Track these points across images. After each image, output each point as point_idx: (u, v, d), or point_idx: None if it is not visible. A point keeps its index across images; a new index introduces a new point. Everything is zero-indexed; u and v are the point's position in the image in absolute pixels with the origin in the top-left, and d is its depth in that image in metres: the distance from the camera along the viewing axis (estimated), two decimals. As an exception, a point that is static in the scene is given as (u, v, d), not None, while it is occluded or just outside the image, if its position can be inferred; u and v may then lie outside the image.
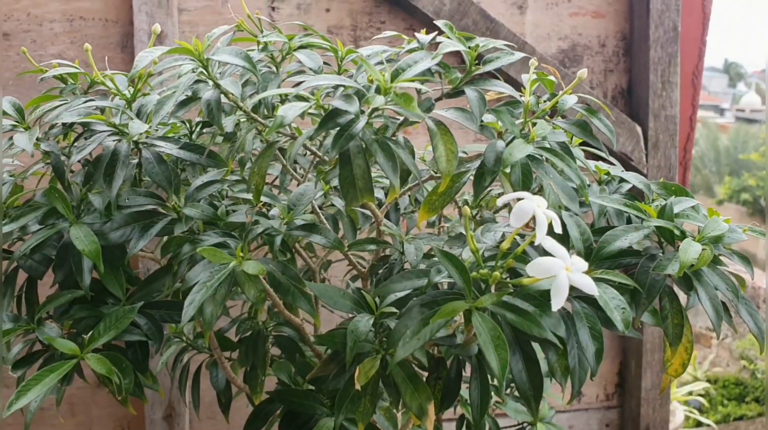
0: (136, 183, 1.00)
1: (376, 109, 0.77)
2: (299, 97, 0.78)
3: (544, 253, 0.73)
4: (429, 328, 0.77)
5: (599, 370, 0.80)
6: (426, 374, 0.93)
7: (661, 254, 0.87)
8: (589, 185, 1.07)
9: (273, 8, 1.72)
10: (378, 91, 0.76)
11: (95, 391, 1.78)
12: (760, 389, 3.95)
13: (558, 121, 0.96)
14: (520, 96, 0.93)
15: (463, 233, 1.10)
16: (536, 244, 0.72)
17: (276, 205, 0.85)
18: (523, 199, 0.74)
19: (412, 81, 0.78)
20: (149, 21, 1.62)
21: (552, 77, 0.98)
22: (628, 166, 1.91)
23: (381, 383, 0.87)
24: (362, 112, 0.77)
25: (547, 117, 0.97)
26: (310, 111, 0.82)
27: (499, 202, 0.76)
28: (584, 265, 0.72)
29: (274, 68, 0.96)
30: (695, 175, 11.85)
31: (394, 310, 0.88)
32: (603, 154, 0.99)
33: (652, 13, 1.86)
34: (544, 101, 0.97)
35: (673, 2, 1.87)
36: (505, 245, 0.77)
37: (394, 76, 0.76)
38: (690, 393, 3.44)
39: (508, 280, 0.80)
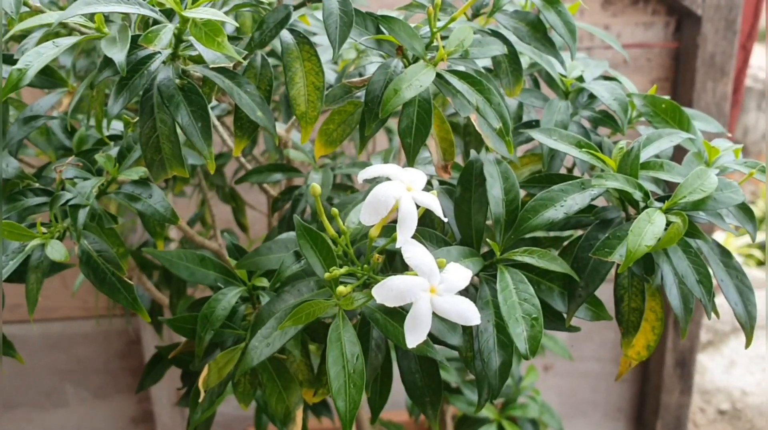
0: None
1: (180, 43, 0.53)
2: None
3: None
4: (278, 336, 0.59)
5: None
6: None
7: (620, 218, 0.64)
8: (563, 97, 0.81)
9: None
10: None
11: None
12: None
13: (499, 18, 0.69)
14: None
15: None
16: (397, 247, 0.50)
17: (104, 156, 0.64)
18: (386, 178, 0.52)
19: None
20: None
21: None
22: (678, 4, 1.57)
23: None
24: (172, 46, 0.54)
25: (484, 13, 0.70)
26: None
27: (360, 178, 0.53)
28: (464, 276, 0.50)
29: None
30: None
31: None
32: (556, 67, 0.72)
33: None
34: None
35: None
36: (374, 233, 0.55)
37: (201, -11, 0.51)
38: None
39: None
